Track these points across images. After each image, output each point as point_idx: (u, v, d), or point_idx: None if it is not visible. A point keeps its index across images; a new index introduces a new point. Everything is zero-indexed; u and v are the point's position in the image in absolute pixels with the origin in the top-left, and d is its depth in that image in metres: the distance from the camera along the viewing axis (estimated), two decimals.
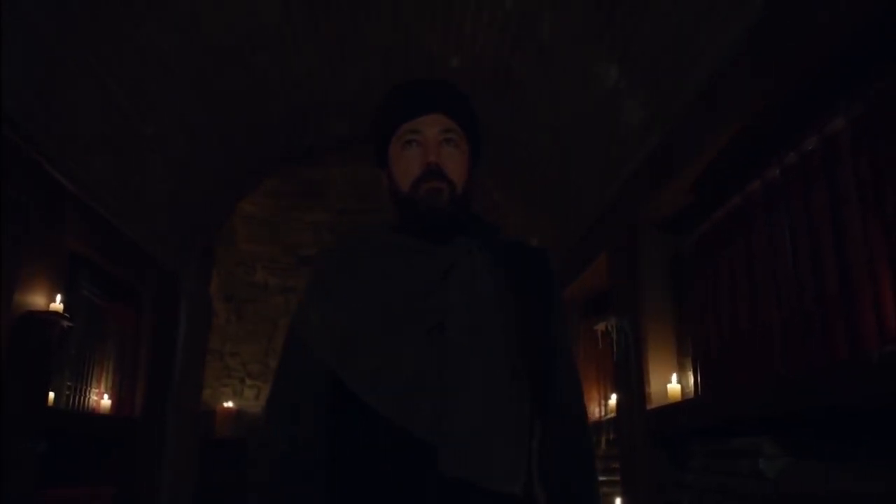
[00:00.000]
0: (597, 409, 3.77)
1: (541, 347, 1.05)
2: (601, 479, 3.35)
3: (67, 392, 3.21)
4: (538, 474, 1.03)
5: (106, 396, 3.53)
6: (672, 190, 2.71)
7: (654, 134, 2.79)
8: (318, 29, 3.67)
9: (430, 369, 0.95)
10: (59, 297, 2.87)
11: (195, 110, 3.72)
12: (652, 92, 2.73)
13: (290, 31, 3.61)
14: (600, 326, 3.12)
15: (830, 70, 1.79)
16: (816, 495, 1.77)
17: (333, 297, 1.03)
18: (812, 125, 1.89)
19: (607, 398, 3.51)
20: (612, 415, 3.26)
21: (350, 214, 6.49)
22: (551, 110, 3.50)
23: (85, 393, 3.37)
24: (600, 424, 3.53)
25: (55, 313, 2.81)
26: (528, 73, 3.49)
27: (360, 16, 3.63)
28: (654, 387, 2.78)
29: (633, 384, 2.90)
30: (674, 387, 2.68)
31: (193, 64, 3.42)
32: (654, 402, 2.76)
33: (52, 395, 2.99)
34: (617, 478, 3.17)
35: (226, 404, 6.29)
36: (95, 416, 3.44)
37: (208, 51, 3.40)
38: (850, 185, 1.73)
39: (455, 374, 0.94)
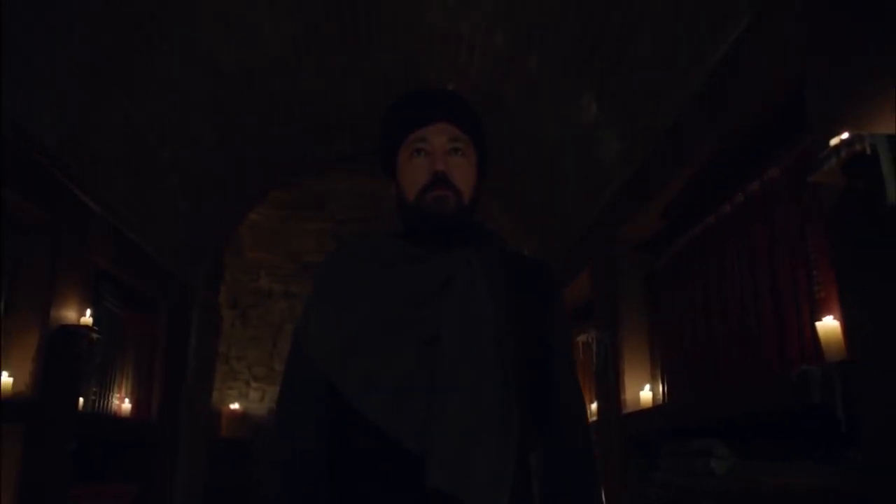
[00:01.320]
0: None
1: (539, 361, 1.06)
2: None
3: (93, 397, 3.54)
4: (540, 487, 1.05)
5: (126, 401, 3.86)
6: (645, 216, 3.04)
7: (630, 164, 3.11)
8: (323, 57, 4.00)
9: (421, 379, 0.95)
10: (88, 312, 3.20)
11: (208, 133, 4.04)
12: (627, 127, 3.05)
13: (297, 60, 3.94)
14: (582, 338, 3.44)
15: (768, 126, 2.12)
16: (755, 490, 2.10)
17: (332, 303, 1.04)
18: (755, 171, 2.22)
19: (590, 403, 3.84)
20: (594, 418, 3.59)
21: (350, 223, 6.82)
22: (540, 136, 3.82)
23: (108, 398, 3.70)
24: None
25: (86, 327, 3.13)
26: (518, 101, 3.82)
27: (362, 46, 3.96)
28: (629, 394, 3.11)
29: (610, 391, 3.24)
30: (646, 394, 3.01)
31: (208, 92, 3.75)
32: (629, 407, 3.10)
33: (80, 400, 3.31)
34: None
35: (231, 406, 6.61)
36: (118, 419, 3.77)
37: (222, 80, 3.73)
38: (783, 226, 2.05)
39: (444, 385, 0.94)
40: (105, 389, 3.69)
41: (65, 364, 3.10)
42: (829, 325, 1.72)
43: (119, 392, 3.84)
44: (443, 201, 1.03)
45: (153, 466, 4.14)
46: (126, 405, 3.86)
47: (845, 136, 1.51)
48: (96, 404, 3.59)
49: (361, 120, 4.82)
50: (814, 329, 1.82)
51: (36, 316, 2.94)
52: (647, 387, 3.05)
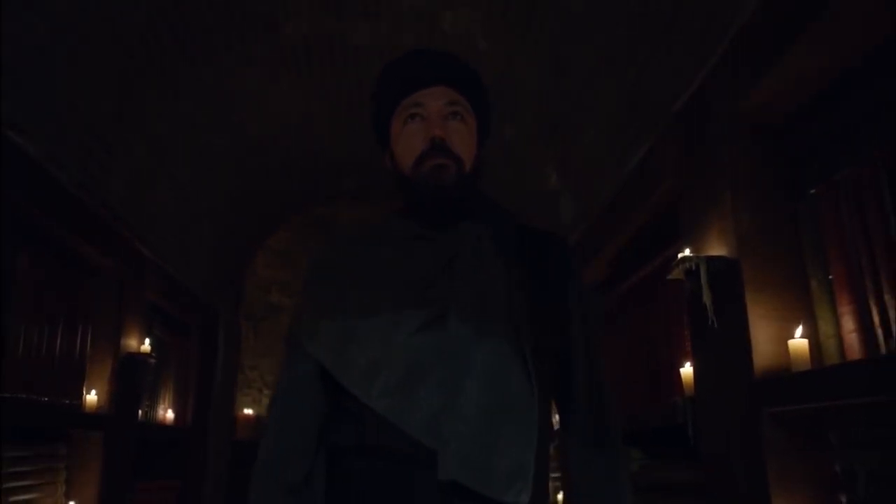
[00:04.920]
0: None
1: (557, 345, 1.02)
2: (553, 475, 4.55)
3: (146, 409, 4.45)
4: (571, 486, 1.05)
5: (170, 411, 4.77)
6: (595, 266, 3.92)
7: (583, 224, 3.99)
8: (332, 121, 4.88)
9: (427, 366, 0.91)
10: (147, 341, 4.10)
11: (235, 184, 4.94)
12: (579, 196, 3.93)
13: (311, 124, 4.82)
14: None
15: (666, 218, 3.00)
16: (650, 483, 2.99)
17: (327, 293, 1.00)
18: (661, 249, 3.10)
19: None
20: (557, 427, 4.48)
21: None
22: (515, 195, 4.70)
23: (156, 409, 4.61)
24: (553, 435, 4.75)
25: (146, 354, 4.03)
26: (495, 162, 4.69)
27: (366, 112, 4.82)
28: None
29: None
30: None
31: (236, 153, 4.64)
32: None
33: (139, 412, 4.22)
34: (559, 474, 4.40)
35: (246, 411, 7.53)
36: (163, 426, 4.68)
37: (249, 144, 4.63)
38: (673, 295, 2.93)
39: (454, 372, 0.90)
40: (154, 402, 4.59)
41: (130, 384, 4.00)
42: (688, 370, 2.61)
43: (164, 403, 4.74)
44: (442, 170, 0.98)
45: (189, 465, 5.06)
46: (170, 415, 4.76)
47: (687, 251, 2.39)
48: (147, 414, 4.49)
49: (365, 163, 5.71)
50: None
51: (110, 346, 3.84)
52: None
